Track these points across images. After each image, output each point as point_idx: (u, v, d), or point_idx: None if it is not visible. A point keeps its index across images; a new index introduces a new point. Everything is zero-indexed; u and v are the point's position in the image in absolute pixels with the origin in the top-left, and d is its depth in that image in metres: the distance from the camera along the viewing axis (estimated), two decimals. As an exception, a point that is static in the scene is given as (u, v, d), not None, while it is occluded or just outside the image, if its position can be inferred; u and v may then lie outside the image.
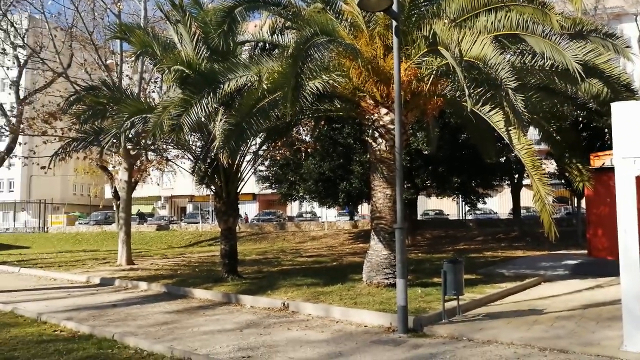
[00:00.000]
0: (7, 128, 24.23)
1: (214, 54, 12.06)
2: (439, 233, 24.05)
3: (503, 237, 23.23)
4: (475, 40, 8.84)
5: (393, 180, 10.06)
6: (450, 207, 34.85)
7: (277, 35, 12.04)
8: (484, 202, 26.24)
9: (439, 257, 15.86)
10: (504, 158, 20.85)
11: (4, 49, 25.01)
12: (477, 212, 31.28)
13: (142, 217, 45.05)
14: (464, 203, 26.75)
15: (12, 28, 24.10)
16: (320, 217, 37.55)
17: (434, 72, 9.95)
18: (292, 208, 46.55)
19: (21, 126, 23.27)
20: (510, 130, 9.27)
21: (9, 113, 25.82)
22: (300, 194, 25.08)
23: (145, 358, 6.44)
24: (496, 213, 36.88)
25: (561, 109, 11.45)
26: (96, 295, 12.20)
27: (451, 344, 6.79)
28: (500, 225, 26.62)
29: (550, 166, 18.26)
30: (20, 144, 26.37)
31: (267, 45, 12.90)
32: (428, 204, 34.90)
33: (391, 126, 10.21)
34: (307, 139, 18.38)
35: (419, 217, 27.29)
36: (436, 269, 12.05)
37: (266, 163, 23.46)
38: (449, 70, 9.84)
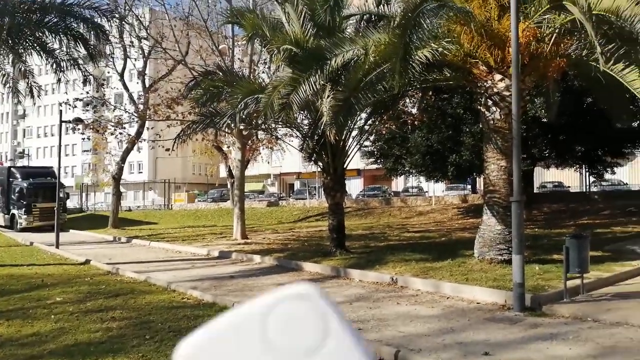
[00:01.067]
0: (136, 115, 26.75)
1: (320, 30, 12.15)
2: (558, 207, 22.32)
3: (635, 210, 20.95)
4: (607, -9, 7.93)
5: (508, 151, 9.48)
6: (571, 178, 32.04)
7: (383, 5, 11.81)
8: (613, 172, 23.78)
9: (558, 233, 14.79)
10: (638, 122, 18.68)
11: (131, 42, 27.46)
12: (604, 183, 28.49)
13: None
14: (588, 174, 24.50)
15: (137, 21, 26.31)
16: (427, 192, 36.70)
17: (556, 31, 9.11)
18: (398, 183, 46.04)
19: (148, 112, 25.50)
20: (649, 90, 8.24)
21: (136, 101, 28.48)
22: (407, 168, 24.60)
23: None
24: (626, 184, 33.24)
25: None
26: (216, 267, 13.12)
27: (574, 324, 6.36)
28: (631, 198, 23.98)
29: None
30: (147, 128, 29.02)
31: (372, 17, 12.71)
32: (546, 176, 32.45)
33: (506, 93, 9.59)
34: (414, 111, 17.95)
35: (535, 190, 25.53)
36: (555, 245, 11.26)
37: (371, 138, 23.31)
38: (574, 28, 8.95)
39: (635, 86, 8.44)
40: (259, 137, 22.71)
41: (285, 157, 35.44)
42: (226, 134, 22.76)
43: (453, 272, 9.50)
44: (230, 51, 22.34)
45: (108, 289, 9.99)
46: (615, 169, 23.16)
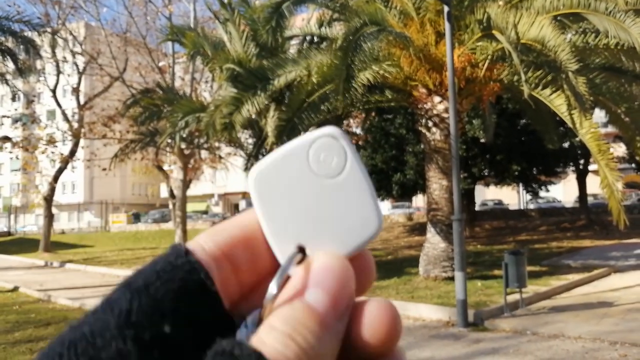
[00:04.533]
0: (70, 133, 25.55)
1: (263, 50, 12.13)
2: (498, 224, 23.27)
3: (569, 226, 22.18)
4: (533, 22, 8.44)
5: (449, 171, 9.77)
6: (510, 196, 33.59)
7: (325, 27, 11.95)
8: (547, 190, 25.09)
9: (499, 249, 15.35)
10: (568, 143, 19.88)
11: (64, 57, 26.34)
12: (540, 200, 30.05)
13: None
14: (524, 192, 25.76)
15: (71, 36, 25.31)
16: (372, 210, 37.21)
17: (489, 57, 9.58)
18: (344, 202, 46.50)
19: (82, 130, 24.46)
20: (573, 113, 8.79)
21: (70, 118, 27.24)
22: (352, 187, 24.87)
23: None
24: (560, 201, 35.26)
25: (629, 89, 10.74)
26: (158, 290, 12.60)
27: (514, 338, 6.56)
28: (565, 214, 25.43)
29: (619, 149, 17.20)
30: (82, 147, 27.79)
31: (315, 38, 12.85)
32: (486, 194, 33.82)
33: (445, 115, 9.91)
34: (358, 131, 18.25)
35: (477, 208, 26.50)
36: (496, 261, 11.67)
37: (317, 157, 23.43)
38: (505, 55, 9.43)
39: (561, 110, 8.99)
40: (201, 156, 22.27)
41: (229, 176, 34.98)
42: (167, 153, 22.18)
43: (399, 290, 9.60)
44: (171, 69, 21.87)
45: (38, 317, 9.40)
46: (549, 187, 24.49)
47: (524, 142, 19.38)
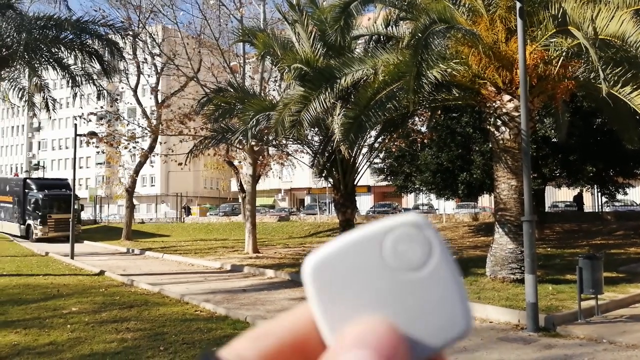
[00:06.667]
0: (149, 129, 27.13)
1: (330, 50, 12.36)
2: (570, 226, 22.19)
3: (648, 231, 20.77)
4: (612, 17, 8.08)
5: (518, 171, 9.55)
6: (583, 198, 31.77)
7: (392, 27, 11.98)
8: (625, 193, 23.62)
9: (571, 253, 14.71)
10: (649, 144, 18.59)
11: (144, 59, 27.96)
12: (617, 203, 28.30)
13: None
14: (600, 194, 24.37)
15: (150, 39, 26.83)
16: (437, 209, 36.60)
17: (563, 54, 9.25)
18: (408, 200, 45.91)
19: (160, 127, 25.87)
20: (656, 112, 8.33)
21: (149, 116, 28.89)
22: (417, 185, 24.61)
23: (274, 341, 6.87)
24: (639, 205, 33.02)
25: None
26: (228, 280, 13.23)
27: (589, 346, 6.34)
28: (645, 219, 23.78)
29: None
30: (160, 143, 29.40)
31: (381, 37, 12.91)
32: (557, 195, 32.23)
33: (515, 113, 9.68)
34: (423, 129, 18.07)
35: (547, 209, 25.38)
36: (568, 265, 11.25)
37: (381, 155, 23.43)
38: (581, 51, 9.08)
39: (642, 108, 8.53)
40: (270, 153, 22.91)
41: (295, 172, 35.59)
42: (238, 150, 23.00)
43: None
44: (242, 68, 22.65)
45: (122, 300, 10.12)
46: (627, 189, 23.02)
47: (600, 142, 18.34)
